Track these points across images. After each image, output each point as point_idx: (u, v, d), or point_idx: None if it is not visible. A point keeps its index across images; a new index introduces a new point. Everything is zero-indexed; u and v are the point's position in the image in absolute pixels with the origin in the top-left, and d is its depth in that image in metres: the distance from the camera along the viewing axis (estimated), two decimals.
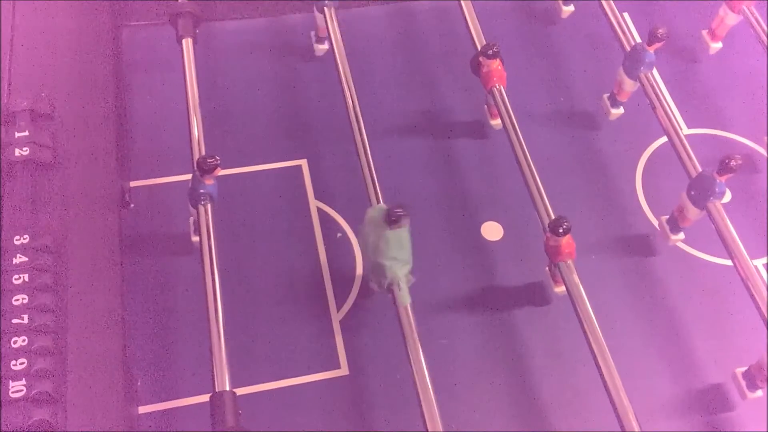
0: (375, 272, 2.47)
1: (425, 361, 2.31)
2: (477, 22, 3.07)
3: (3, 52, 2.79)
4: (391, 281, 2.43)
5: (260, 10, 3.46)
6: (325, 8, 3.05)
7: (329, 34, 3.04)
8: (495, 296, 2.77)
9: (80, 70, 2.88)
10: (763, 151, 3.13)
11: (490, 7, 3.32)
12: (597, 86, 3.25)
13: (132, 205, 2.89)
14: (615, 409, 2.27)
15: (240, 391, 2.29)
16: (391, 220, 2.38)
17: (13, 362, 2.13)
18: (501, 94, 2.87)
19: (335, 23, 3.04)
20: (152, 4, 3.37)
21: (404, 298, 2.42)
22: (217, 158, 2.49)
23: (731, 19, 3.14)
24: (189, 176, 2.91)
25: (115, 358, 2.33)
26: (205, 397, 2.47)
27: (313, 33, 3.22)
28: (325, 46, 3.18)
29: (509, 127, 2.81)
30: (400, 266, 2.43)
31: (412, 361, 2.32)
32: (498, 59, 2.84)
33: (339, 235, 2.89)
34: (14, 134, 2.57)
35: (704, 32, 3.34)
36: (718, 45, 3.30)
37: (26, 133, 2.57)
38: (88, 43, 2.96)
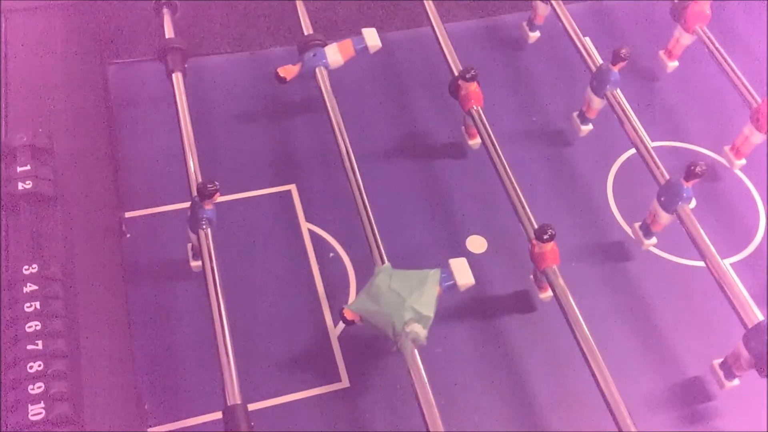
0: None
1: (424, 370, 2.39)
2: (452, 48, 3.25)
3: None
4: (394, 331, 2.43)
5: (242, 46, 3.61)
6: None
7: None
8: (485, 305, 2.90)
9: (74, 107, 2.98)
10: (722, 160, 3.35)
11: (460, 34, 3.51)
12: (566, 106, 3.45)
13: (128, 235, 2.97)
14: (608, 405, 2.39)
15: None
16: None
17: (31, 386, 2.19)
18: (479, 114, 3.05)
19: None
20: (134, 42, 3.50)
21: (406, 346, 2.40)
22: (217, 183, 2.61)
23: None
24: (181, 205, 3.04)
25: (128, 381, 2.41)
26: (211, 417, 2.58)
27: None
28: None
29: (488, 144, 2.98)
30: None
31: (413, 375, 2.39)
32: (475, 82, 3.02)
33: (331, 254, 3.01)
34: (16, 169, 2.65)
35: (661, 52, 3.57)
36: (675, 64, 3.53)
37: (28, 168, 2.65)
38: (80, 79, 3.07)
